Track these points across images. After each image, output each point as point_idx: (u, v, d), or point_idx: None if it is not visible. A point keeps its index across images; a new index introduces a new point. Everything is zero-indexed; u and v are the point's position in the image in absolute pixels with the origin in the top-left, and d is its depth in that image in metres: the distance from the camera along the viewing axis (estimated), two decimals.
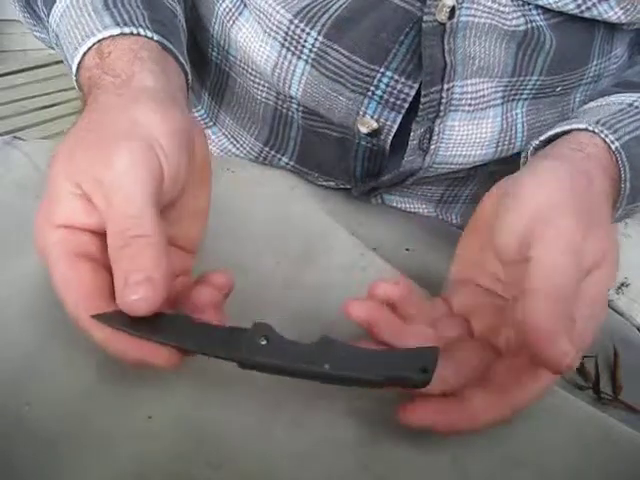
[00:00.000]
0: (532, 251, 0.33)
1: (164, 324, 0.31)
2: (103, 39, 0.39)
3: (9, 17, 1.60)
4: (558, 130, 0.43)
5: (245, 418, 0.34)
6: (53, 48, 0.49)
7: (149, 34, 0.39)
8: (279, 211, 0.49)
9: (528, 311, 0.31)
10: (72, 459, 0.31)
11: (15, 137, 0.49)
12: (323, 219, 0.49)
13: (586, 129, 0.41)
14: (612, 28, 0.49)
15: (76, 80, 0.41)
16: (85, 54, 0.39)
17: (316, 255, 0.45)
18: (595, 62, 0.50)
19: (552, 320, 0.31)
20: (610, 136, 0.41)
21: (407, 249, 0.51)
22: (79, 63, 0.39)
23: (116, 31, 0.39)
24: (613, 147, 0.40)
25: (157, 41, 0.40)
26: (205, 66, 0.56)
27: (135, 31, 0.39)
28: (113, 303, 0.31)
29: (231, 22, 0.50)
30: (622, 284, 0.90)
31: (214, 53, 0.54)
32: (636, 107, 0.44)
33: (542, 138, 0.44)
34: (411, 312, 0.37)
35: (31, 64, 1.42)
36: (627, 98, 0.45)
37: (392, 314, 0.36)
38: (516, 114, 0.50)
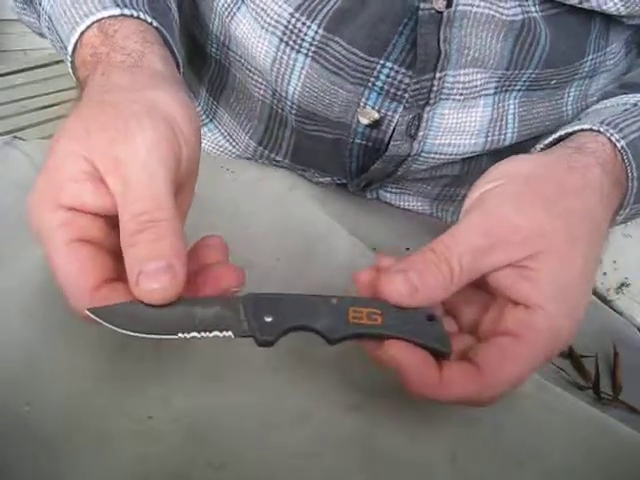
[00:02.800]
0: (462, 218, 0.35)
1: (163, 314, 0.30)
2: (103, 19, 0.38)
3: (9, 17, 1.60)
4: (562, 132, 0.43)
5: (246, 418, 0.34)
6: (42, 33, 0.49)
7: (148, 19, 0.39)
8: (279, 212, 0.49)
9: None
10: (72, 459, 0.31)
11: (15, 137, 0.49)
12: (323, 220, 0.49)
13: (590, 129, 0.41)
14: (608, 23, 0.49)
15: (72, 61, 0.40)
16: (83, 33, 0.39)
17: (316, 256, 0.45)
18: (590, 57, 0.50)
19: (411, 258, 0.32)
20: (615, 135, 0.40)
21: (407, 249, 0.51)
22: (77, 42, 0.39)
23: (116, 12, 0.38)
24: (619, 145, 0.40)
25: (155, 27, 0.40)
26: (204, 62, 0.57)
27: (135, 14, 0.39)
28: (115, 288, 0.30)
29: (229, 18, 0.50)
30: (622, 284, 0.89)
31: (213, 49, 0.54)
32: None
33: (546, 142, 0.44)
34: None
35: (31, 64, 1.41)
36: (631, 99, 0.45)
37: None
38: (508, 105, 0.50)
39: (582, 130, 0.42)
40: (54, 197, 0.31)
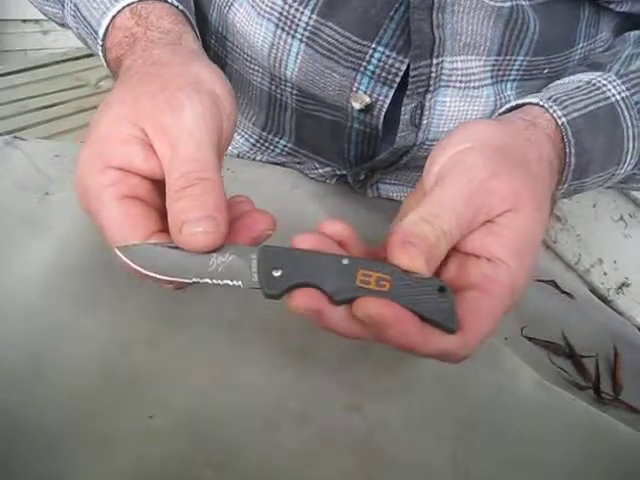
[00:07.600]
0: (438, 182, 0.35)
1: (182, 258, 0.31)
2: (133, 3, 0.40)
3: (9, 17, 1.60)
4: (513, 104, 0.44)
5: (246, 418, 0.35)
6: (64, 24, 0.51)
7: (175, 2, 0.41)
8: (279, 211, 0.49)
9: (401, 223, 0.32)
10: (72, 459, 0.31)
11: (15, 137, 0.49)
12: (324, 218, 0.49)
13: (537, 104, 0.42)
14: (598, 10, 0.50)
15: (102, 45, 0.42)
16: (114, 17, 0.40)
17: None
18: (581, 45, 0.50)
19: (412, 229, 0.32)
20: (558, 112, 0.41)
21: None
22: (108, 25, 0.41)
23: None
24: (559, 122, 0.41)
25: (181, 11, 0.42)
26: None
27: None
28: (163, 237, 0.32)
29: (227, 8, 0.51)
30: (622, 284, 0.90)
31: (212, 40, 0.55)
32: (593, 84, 0.44)
33: (501, 111, 0.45)
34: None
35: (31, 64, 1.42)
36: (587, 76, 0.46)
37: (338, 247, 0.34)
38: (508, 96, 0.51)
39: (531, 104, 0.43)
40: (104, 158, 0.32)
